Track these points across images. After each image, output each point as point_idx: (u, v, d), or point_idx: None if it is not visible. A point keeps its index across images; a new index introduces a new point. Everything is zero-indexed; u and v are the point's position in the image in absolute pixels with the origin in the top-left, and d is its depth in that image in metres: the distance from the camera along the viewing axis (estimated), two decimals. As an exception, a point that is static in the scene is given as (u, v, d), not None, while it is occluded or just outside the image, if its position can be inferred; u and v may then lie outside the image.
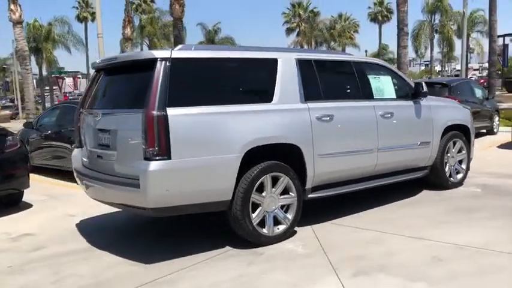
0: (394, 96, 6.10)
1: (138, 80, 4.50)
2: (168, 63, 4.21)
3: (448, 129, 6.64)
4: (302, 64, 5.14)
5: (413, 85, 6.35)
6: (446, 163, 6.69)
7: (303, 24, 50.57)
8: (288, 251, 4.56)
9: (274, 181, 4.76)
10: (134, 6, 47.33)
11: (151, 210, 4.20)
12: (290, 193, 4.87)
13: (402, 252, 4.38)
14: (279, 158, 4.80)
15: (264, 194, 4.68)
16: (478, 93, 12.54)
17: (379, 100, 5.82)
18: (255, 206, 4.64)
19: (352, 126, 5.45)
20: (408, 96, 6.25)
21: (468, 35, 46.86)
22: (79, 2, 55.59)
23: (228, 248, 4.71)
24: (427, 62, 67.02)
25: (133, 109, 4.28)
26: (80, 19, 54.82)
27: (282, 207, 4.85)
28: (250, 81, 4.90)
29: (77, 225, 5.83)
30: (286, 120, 4.87)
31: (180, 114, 4.17)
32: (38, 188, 7.81)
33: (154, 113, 4.05)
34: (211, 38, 50.79)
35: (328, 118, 5.15)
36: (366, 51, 59.38)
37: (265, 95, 4.83)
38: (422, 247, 4.50)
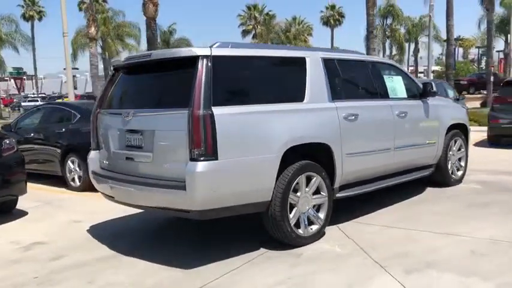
0: (405, 95, 6.22)
1: (177, 78, 4.32)
2: (209, 61, 4.08)
3: (450, 127, 6.83)
4: (327, 63, 5.13)
5: (420, 85, 6.49)
6: (448, 161, 6.88)
7: (259, 27, 50.78)
8: (326, 251, 4.52)
9: (307, 181, 4.71)
10: (85, 5, 45.74)
11: (197, 212, 4.04)
12: (321, 193, 4.83)
13: (441, 249, 4.43)
14: (309, 157, 4.76)
15: (298, 194, 4.62)
16: (450, 94, 13.07)
17: (394, 100, 5.92)
18: (291, 207, 4.57)
19: (374, 125, 5.51)
20: (417, 96, 6.38)
21: (417, 39, 48.78)
22: (25, 0, 53.28)
23: (262, 249, 4.61)
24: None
25: (174, 108, 4.09)
26: (26, 18, 52.57)
27: (313, 207, 4.82)
28: (284, 80, 4.83)
29: (88, 231, 5.54)
30: (318, 119, 4.85)
31: (225, 114, 4.04)
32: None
33: (201, 112, 3.91)
34: (166, 39, 50.07)
35: (354, 117, 5.16)
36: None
37: (297, 94, 4.77)
38: (456, 243, 4.58)
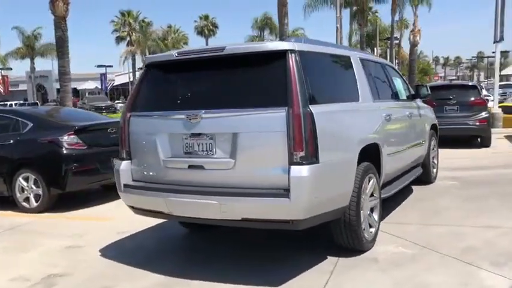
0: (405, 97, 6.41)
1: (260, 74, 3.84)
2: (297, 56, 3.74)
3: (430, 128, 7.24)
4: (363, 63, 5.07)
5: (410, 87, 6.76)
6: (429, 159, 7.26)
7: (134, 34, 49.07)
8: (397, 254, 4.41)
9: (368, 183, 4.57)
10: None
11: (299, 222, 3.63)
12: (374, 194, 4.72)
13: (498, 240, 4.59)
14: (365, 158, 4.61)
15: (363, 197, 4.45)
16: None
17: (402, 101, 6.08)
18: (358, 211, 4.38)
19: (400, 125, 5.61)
20: (410, 97, 6.62)
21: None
22: None
23: (331, 258, 4.33)
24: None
25: (266, 108, 3.64)
26: None
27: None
28: (344, 79, 4.64)
29: (103, 256, 4.72)
30: (372, 119, 4.77)
31: (320, 112, 3.71)
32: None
33: (301, 110, 3.55)
34: (30, 44, 45.85)
35: (389, 117, 5.16)
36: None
37: (354, 93, 4.62)
38: (503, 234, 4.79)
